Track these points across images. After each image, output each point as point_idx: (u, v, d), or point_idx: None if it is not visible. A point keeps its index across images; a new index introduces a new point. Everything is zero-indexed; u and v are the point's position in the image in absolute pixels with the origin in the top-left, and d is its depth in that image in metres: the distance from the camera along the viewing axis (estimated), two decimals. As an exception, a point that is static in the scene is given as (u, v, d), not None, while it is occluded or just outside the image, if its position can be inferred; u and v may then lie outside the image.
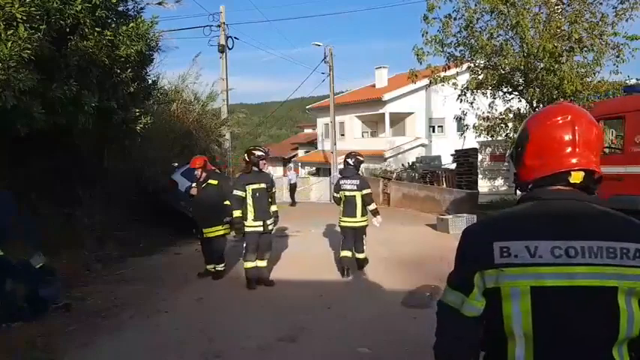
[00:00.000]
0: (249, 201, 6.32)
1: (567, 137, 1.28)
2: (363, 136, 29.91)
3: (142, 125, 8.18)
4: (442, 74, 11.99)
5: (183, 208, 8.90)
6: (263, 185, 6.43)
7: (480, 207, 13.29)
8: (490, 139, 13.25)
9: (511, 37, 10.75)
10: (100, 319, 5.30)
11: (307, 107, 35.11)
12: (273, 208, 6.64)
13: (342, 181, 7.16)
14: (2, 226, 5.27)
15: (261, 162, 6.47)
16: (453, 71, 12.43)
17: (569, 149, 1.28)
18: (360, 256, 7.19)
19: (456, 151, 16.58)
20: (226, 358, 4.31)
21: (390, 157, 24.24)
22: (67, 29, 6.42)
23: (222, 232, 7.01)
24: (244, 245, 6.46)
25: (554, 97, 10.30)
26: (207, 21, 21.51)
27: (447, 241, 8.21)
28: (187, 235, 9.20)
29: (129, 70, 7.46)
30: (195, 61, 15.48)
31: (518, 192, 1.43)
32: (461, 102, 12.12)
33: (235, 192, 6.37)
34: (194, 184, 7.13)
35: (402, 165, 20.23)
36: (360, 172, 7.50)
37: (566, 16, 10.44)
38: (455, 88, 12.11)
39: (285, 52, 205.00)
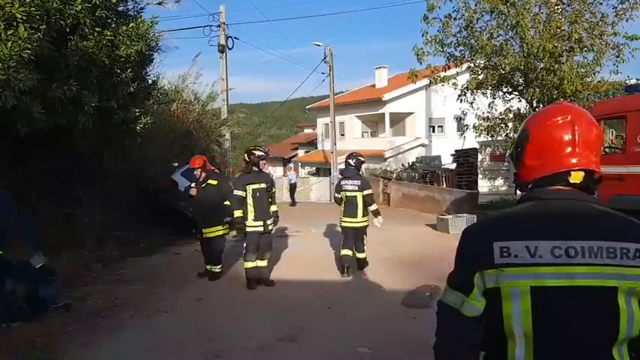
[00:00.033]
0: (250, 201, 6.32)
1: (567, 137, 1.28)
2: (363, 136, 29.91)
3: (142, 125, 8.18)
4: (442, 74, 11.99)
5: (183, 208, 8.90)
6: (263, 185, 6.44)
7: (480, 207, 13.29)
8: (490, 139, 13.25)
9: (511, 37, 10.75)
10: (100, 319, 5.30)
11: (307, 107, 35.10)
12: (273, 208, 6.64)
13: (343, 182, 7.17)
14: (2, 226, 5.27)
15: (261, 162, 6.47)
16: (453, 71, 12.43)
17: (569, 149, 1.28)
18: (361, 255, 7.20)
19: (456, 151, 16.58)
20: (226, 358, 4.31)
21: (390, 157, 24.24)
22: (67, 29, 6.42)
23: (221, 233, 7.01)
24: (244, 245, 6.47)
25: (554, 97, 10.30)
26: (207, 21, 21.53)
27: (447, 241, 8.21)
28: (187, 235, 9.20)
29: (129, 70, 7.46)
30: (195, 61, 15.51)
31: (518, 192, 1.43)
32: (461, 102, 12.12)
33: (236, 192, 6.38)
34: (193, 184, 7.13)
35: (402, 165, 20.23)
36: (360, 173, 7.51)
37: (566, 16, 10.43)
38: (455, 88, 12.11)
39: (285, 52, 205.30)
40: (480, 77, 11.67)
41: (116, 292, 6.29)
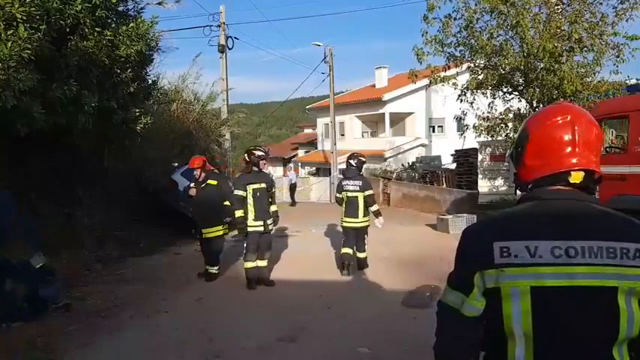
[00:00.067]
0: (250, 201, 6.32)
1: (567, 137, 1.28)
2: (363, 136, 29.92)
3: (142, 125, 8.18)
4: (442, 74, 11.97)
5: (183, 208, 8.90)
6: (263, 185, 6.44)
7: (480, 207, 13.29)
8: (490, 139, 13.24)
9: (511, 37, 10.73)
10: (100, 319, 5.30)
11: (307, 107, 35.11)
12: (273, 208, 6.65)
13: (344, 182, 7.19)
14: (2, 226, 5.28)
15: (261, 162, 6.47)
16: (453, 71, 12.41)
17: (569, 149, 1.28)
18: (361, 255, 7.21)
19: (456, 151, 16.58)
20: (226, 358, 4.31)
21: (390, 157, 24.24)
22: (67, 29, 6.42)
23: (221, 233, 7.01)
24: (244, 245, 6.47)
25: (554, 97, 10.29)
26: (207, 21, 21.53)
27: (447, 241, 8.21)
28: (187, 235, 9.21)
29: (129, 70, 7.46)
30: (196, 61, 15.51)
31: (518, 192, 1.43)
32: (461, 102, 12.11)
33: (236, 192, 6.38)
34: (192, 184, 7.12)
35: (402, 165, 20.24)
36: (361, 173, 7.52)
37: (566, 16, 10.42)
38: (455, 88, 12.09)
39: (285, 52, 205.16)
40: (480, 77, 11.66)
41: (116, 292, 6.29)
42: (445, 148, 19.60)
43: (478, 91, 11.82)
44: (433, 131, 26.87)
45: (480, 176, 16.53)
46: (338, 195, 7.30)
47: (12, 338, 4.60)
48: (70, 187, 8.22)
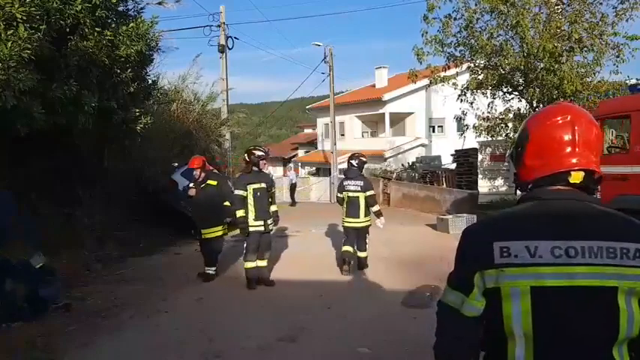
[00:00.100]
0: (250, 200, 6.33)
1: (567, 137, 1.28)
2: (363, 136, 29.92)
3: (142, 125, 8.18)
4: (442, 74, 11.98)
5: (183, 208, 8.90)
6: (263, 185, 6.45)
7: (480, 207, 13.29)
8: (490, 139, 13.25)
9: (511, 37, 10.73)
10: (100, 319, 5.30)
11: (307, 107, 35.11)
12: (273, 208, 6.65)
13: (345, 182, 7.20)
14: (2, 226, 5.28)
15: (261, 162, 6.47)
16: (452, 71, 12.42)
17: (569, 149, 1.28)
18: (362, 254, 7.22)
19: (456, 151, 16.58)
20: (226, 358, 4.31)
21: (390, 157, 24.24)
22: (67, 29, 6.42)
23: (220, 234, 7.00)
24: (245, 245, 6.47)
25: (554, 97, 10.29)
26: (207, 21, 21.54)
27: (447, 241, 8.22)
28: (187, 235, 9.21)
29: (129, 70, 7.46)
30: (196, 62, 15.53)
31: (518, 192, 1.43)
32: (461, 102, 12.12)
33: (237, 192, 6.38)
34: (192, 184, 7.11)
35: (402, 165, 20.24)
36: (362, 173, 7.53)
37: (566, 16, 10.42)
38: (455, 88, 12.10)
39: (285, 52, 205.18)
40: (480, 77, 11.66)
41: (116, 292, 6.29)
42: (445, 148, 19.61)
43: (478, 91, 11.83)
44: (433, 131, 26.87)
45: (479, 176, 16.53)
46: (339, 195, 7.31)
47: (12, 338, 4.60)
48: (70, 187, 8.22)
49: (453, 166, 16.50)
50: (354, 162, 7.27)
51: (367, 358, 4.26)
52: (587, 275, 1.16)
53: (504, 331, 1.21)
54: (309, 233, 11.03)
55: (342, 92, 33.64)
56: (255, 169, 6.44)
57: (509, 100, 12.04)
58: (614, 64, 10.41)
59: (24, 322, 4.95)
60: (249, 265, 6.42)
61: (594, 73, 10.61)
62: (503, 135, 12.24)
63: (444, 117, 23.27)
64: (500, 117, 11.99)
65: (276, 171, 31.19)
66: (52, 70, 6.21)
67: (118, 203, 9.40)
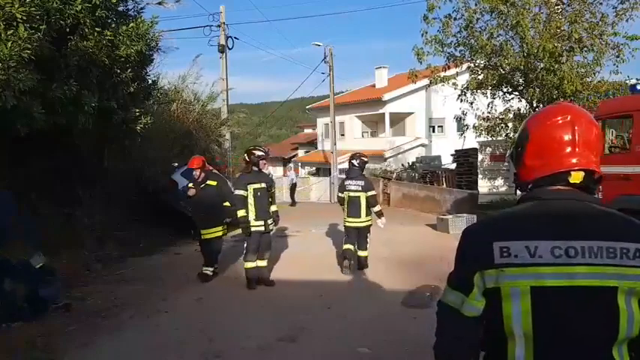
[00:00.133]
0: (251, 200, 6.33)
1: (567, 137, 1.28)
2: (363, 136, 29.92)
3: (142, 125, 8.18)
4: (442, 74, 11.97)
5: (183, 208, 8.90)
6: (263, 185, 6.45)
7: (480, 207, 13.29)
8: (490, 139, 13.25)
9: (511, 37, 10.72)
10: (100, 319, 5.30)
11: (307, 107, 35.11)
12: (273, 207, 6.65)
13: (346, 182, 7.22)
14: (2, 226, 5.28)
15: (261, 162, 6.47)
16: (452, 71, 12.41)
17: (569, 149, 1.28)
18: (362, 253, 7.23)
19: (456, 151, 16.58)
20: (226, 358, 4.31)
21: (390, 157, 24.24)
22: (67, 29, 6.42)
23: (220, 234, 7.00)
24: (245, 245, 6.47)
25: (554, 97, 10.28)
26: (207, 21, 21.54)
27: (447, 241, 8.21)
28: (187, 235, 9.22)
29: (129, 70, 7.46)
30: (196, 62, 15.52)
31: (518, 192, 1.43)
32: (461, 102, 12.11)
33: (238, 192, 6.38)
34: (191, 184, 7.11)
35: (402, 165, 20.24)
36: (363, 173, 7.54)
37: (566, 16, 10.41)
38: (455, 88, 12.10)
39: (285, 52, 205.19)
40: (480, 77, 11.65)
41: (116, 292, 6.29)
42: (445, 148, 19.60)
43: (478, 91, 11.82)
44: (433, 131, 26.87)
45: (480, 176, 16.53)
46: (340, 195, 7.32)
47: (12, 338, 4.60)
48: (70, 187, 8.22)
49: (453, 166, 16.50)
50: (355, 162, 7.28)
51: (367, 358, 4.26)
52: (587, 275, 1.16)
53: (504, 331, 1.21)
54: (309, 233, 11.03)
55: (342, 92, 33.64)
56: (255, 169, 6.44)
57: (509, 100, 12.03)
58: (614, 64, 10.40)
59: (24, 322, 4.95)
60: (249, 265, 6.42)
61: (594, 73, 10.60)
62: (503, 135, 12.24)
63: (444, 117, 23.27)
64: (500, 117, 11.99)
65: (276, 171, 31.19)
66: (52, 70, 6.21)
67: (118, 203, 9.40)
